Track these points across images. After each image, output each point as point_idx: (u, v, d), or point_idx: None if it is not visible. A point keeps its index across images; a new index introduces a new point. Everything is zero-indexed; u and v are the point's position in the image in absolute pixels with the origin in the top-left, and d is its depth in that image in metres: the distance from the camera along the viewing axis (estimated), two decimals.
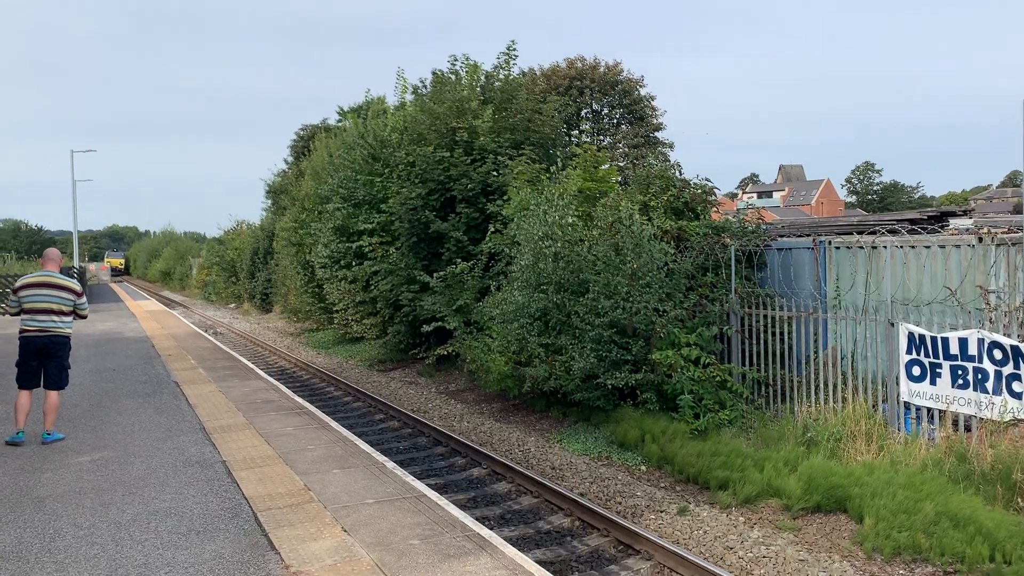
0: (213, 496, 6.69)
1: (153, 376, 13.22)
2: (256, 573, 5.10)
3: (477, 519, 7.45)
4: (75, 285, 8.88)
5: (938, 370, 8.98)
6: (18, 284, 8.72)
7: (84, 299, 8.95)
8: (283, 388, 12.29)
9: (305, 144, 40.24)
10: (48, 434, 8.70)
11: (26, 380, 8.64)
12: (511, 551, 5.48)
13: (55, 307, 8.63)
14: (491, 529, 7.31)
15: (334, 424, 9.65)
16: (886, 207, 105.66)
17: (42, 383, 8.71)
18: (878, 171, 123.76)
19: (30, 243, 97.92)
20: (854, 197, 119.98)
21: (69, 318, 8.78)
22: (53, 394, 8.69)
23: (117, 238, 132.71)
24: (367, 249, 19.05)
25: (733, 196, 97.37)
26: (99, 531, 5.89)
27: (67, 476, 7.34)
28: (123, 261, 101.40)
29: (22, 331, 8.63)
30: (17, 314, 8.73)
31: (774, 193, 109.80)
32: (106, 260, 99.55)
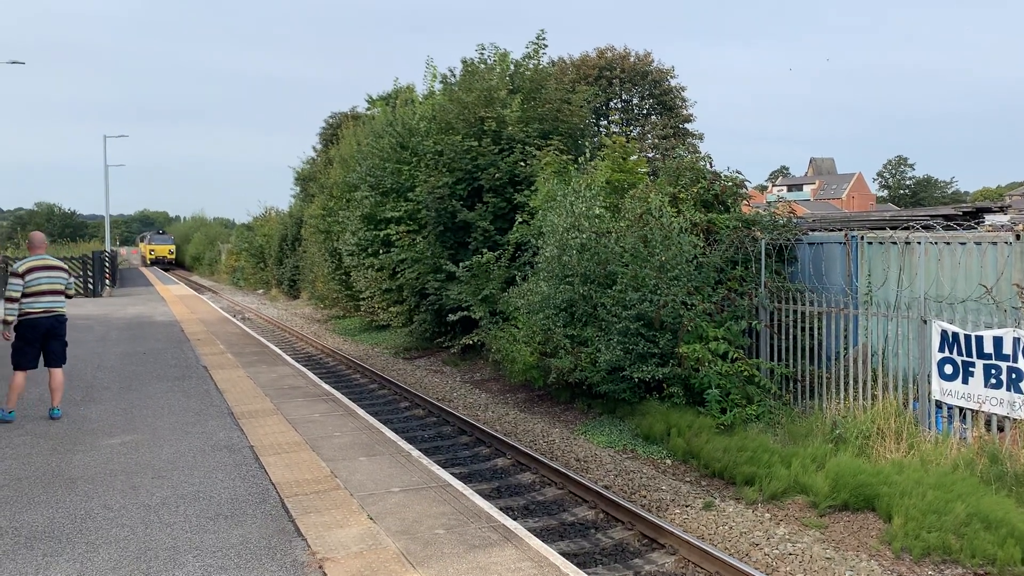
0: (241, 481, 6.75)
1: (182, 360, 13.37)
2: (283, 559, 5.14)
3: (501, 509, 7.46)
4: (66, 265, 9.36)
5: (971, 369, 8.83)
6: (21, 268, 8.85)
7: (72, 279, 9.42)
8: (310, 374, 12.37)
9: (334, 132, 40.43)
10: (58, 410, 9.07)
11: (29, 362, 8.89)
12: (536, 543, 5.47)
13: (57, 288, 9.01)
14: (515, 520, 7.31)
15: (360, 411, 9.70)
16: (918, 202, 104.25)
17: (44, 362, 9.01)
18: (911, 165, 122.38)
19: (63, 226, 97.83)
20: (886, 192, 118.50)
21: (64, 298, 9.14)
22: (59, 371, 9.08)
23: (148, 223, 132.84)
24: (394, 237, 19.11)
25: (763, 189, 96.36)
26: (129, 513, 5.97)
27: (98, 458, 7.44)
28: (174, 248, 74.94)
29: (26, 314, 8.82)
30: (15, 299, 8.77)
31: (804, 186, 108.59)
32: (146, 246, 74.20)
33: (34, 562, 5.09)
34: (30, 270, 8.82)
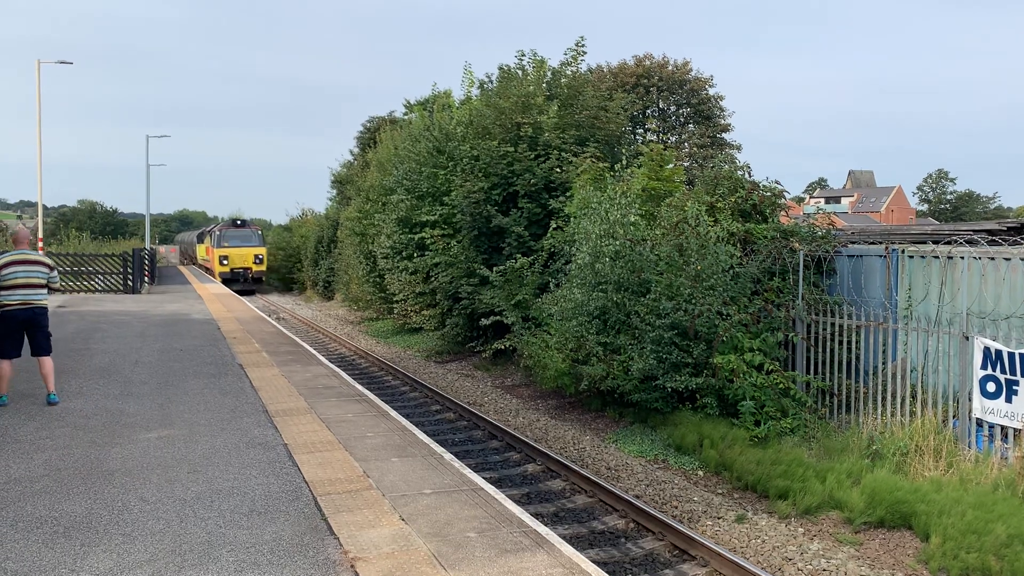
0: (274, 478, 6.80)
1: (218, 358, 13.52)
2: (315, 557, 5.17)
3: (532, 515, 7.44)
4: (48, 260, 9.62)
5: (1015, 387, 8.63)
6: None
7: (55, 272, 9.62)
8: (343, 375, 12.44)
9: (371, 135, 40.79)
10: (55, 395, 9.46)
11: (10, 351, 9.22)
12: (568, 549, 5.44)
13: (33, 281, 9.29)
14: (546, 526, 7.28)
15: (393, 413, 9.72)
16: (959, 217, 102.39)
17: (31, 352, 9.40)
18: (952, 179, 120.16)
19: (104, 224, 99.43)
20: (926, 206, 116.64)
21: (45, 290, 9.44)
22: (47, 359, 9.46)
23: (186, 221, 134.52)
24: (429, 241, 19.20)
25: (800, 200, 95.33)
26: (164, 507, 6.04)
27: (135, 451, 7.54)
28: (263, 253, 44.38)
29: (4, 306, 9.13)
30: None
31: (842, 199, 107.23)
32: (216, 250, 43.94)
33: (72, 551, 5.18)
34: (7, 264, 9.13)
